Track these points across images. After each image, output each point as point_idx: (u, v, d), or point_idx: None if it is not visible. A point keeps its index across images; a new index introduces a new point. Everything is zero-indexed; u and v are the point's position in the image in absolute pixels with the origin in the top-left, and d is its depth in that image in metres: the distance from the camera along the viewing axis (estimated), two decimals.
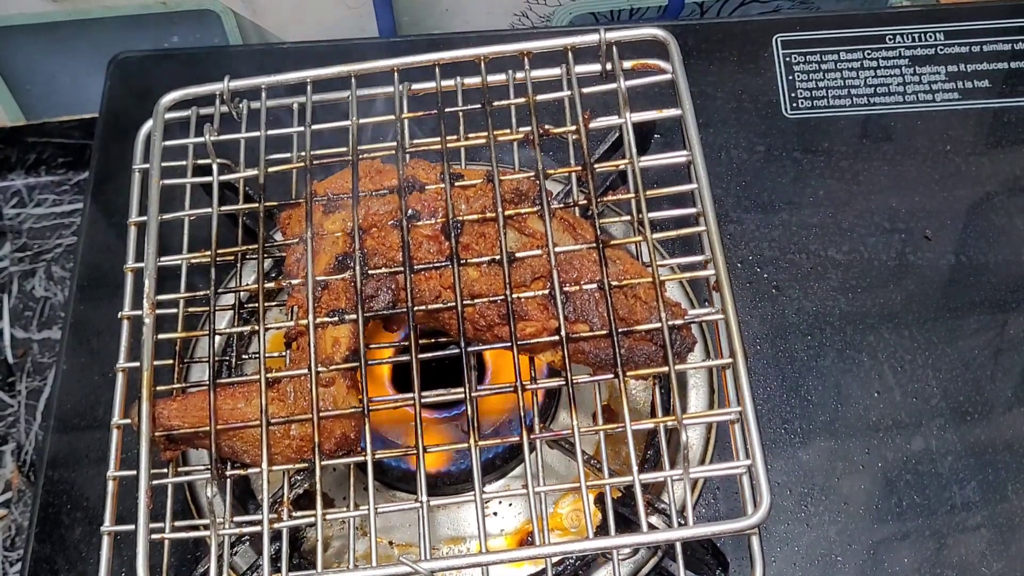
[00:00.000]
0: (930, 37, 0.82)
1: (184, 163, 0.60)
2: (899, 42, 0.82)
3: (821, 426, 0.68)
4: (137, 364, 0.52)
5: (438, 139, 0.57)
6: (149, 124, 0.61)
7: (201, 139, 0.59)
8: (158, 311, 0.53)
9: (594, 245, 0.53)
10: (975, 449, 0.67)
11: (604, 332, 0.51)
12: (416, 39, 0.86)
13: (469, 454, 0.50)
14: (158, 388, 0.52)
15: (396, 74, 0.59)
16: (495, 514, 0.65)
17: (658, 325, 0.51)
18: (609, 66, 0.60)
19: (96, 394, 0.71)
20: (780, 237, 0.75)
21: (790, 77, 0.81)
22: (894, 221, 0.75)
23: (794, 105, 0.80)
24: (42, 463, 0.69)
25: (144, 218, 0.57)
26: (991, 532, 0.65)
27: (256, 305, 0.55)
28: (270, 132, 0.59)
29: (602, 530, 0.61)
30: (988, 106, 0.80)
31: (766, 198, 0.77)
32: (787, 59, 0.82)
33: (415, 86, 0.60)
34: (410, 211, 0.55)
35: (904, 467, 0.67)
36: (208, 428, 0.51)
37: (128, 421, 0.53)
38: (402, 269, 0.53)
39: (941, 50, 0.82)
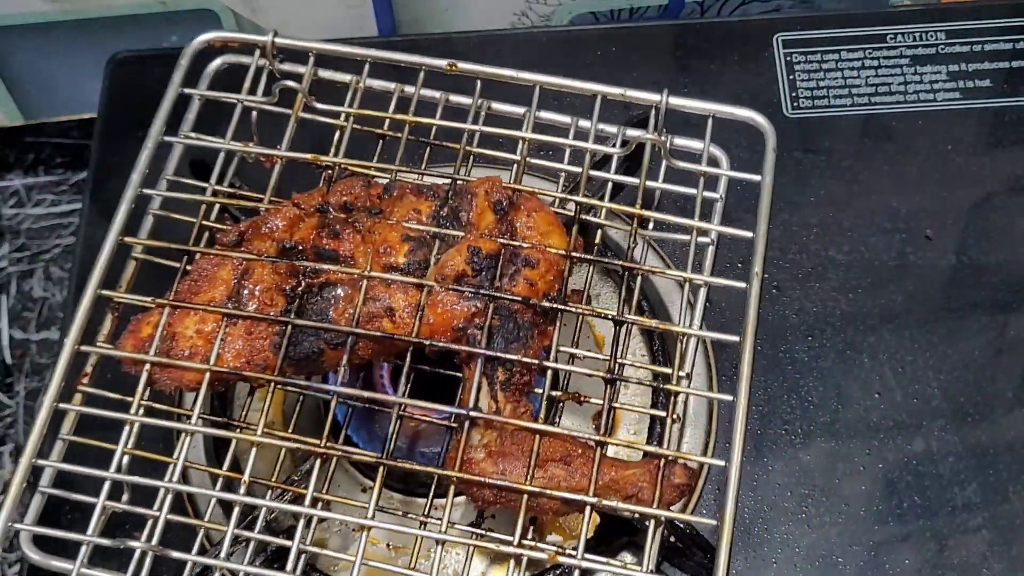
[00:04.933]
0: (931, 36, 0.82)
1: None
2: (900, 41, 0.82)
3: (822, 427, 0.68)
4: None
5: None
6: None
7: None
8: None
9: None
10: (976, 450, 0.67)
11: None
12: (416, 38, 0.86)
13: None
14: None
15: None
16: (493, 516, 0.65)
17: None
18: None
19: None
20: (780, 237, 0.75)
21: (791, 76, 0.81)
22: (895, 221, 0.75)
23: (795, 105, 0.80)
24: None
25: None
26: (992, 533, 0.65)
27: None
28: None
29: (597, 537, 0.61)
30: (989, 105, 0.79)
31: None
32: (788, 58, 0.81)
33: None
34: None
35: (905, 468, 0.67)
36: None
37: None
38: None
39: (942, 49, 0.81)
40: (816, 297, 0.72)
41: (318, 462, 0.52)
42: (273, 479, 0.53)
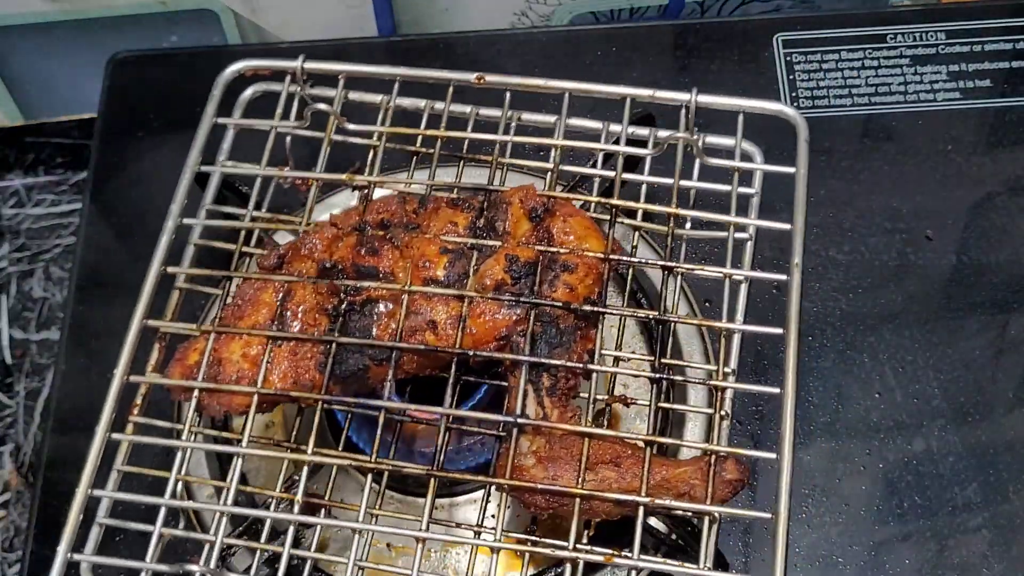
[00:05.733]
0: (931, 36, 0.82)
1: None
2: (900, 41, 0.82)
3: (822, 427, 0.68)
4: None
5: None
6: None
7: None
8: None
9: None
10: (976, 450, 0.67)
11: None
12: (416, 39, 0.86)
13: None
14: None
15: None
16: (492, 516, 0.65)
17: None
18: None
19: (95, 395, 0.70)
20: (780, 237, 0.74)
21: (791, 76, 0.81)
22: (895, 221, 0.75)
23: (795, 104, 0.80)
24: (40, 464, 0.69)
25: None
26: (992, 533, 0.65)
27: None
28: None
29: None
30: (989, 105, 0.79)
31: (766, 198, 0.76)
32: (788, 58, 0.81)
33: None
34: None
35: (905, 468, 0.67)
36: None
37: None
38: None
39: (942, 49, 0.81)
40: (816, 297, 0.72)
41: (369, 478, 0.52)
42: (327, 497, 0.54)
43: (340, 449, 0.55)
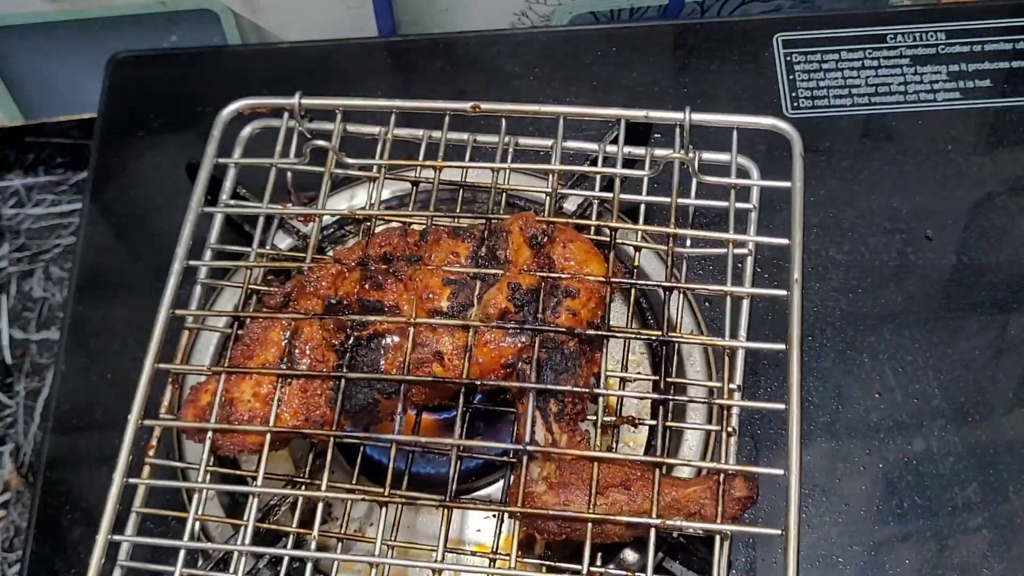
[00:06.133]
0: (931, 36, 0.82)
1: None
2: (900, 41, 0.82)
3: (822, 427, 0.68)
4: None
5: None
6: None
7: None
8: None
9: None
10: (976, 450, 0.67)
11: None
12: (416, 39, 0.86)
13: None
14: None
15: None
16: (493, 515, 0.65)
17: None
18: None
19: (95, 395, 0.70)
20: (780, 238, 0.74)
21: (791, 76, 0.81)
22: (895, 221, 0.75)
23: (795, 105, 0.80)
24: (40, 464, 0.69)
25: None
26: (992, 533, 0.65)
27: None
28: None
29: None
30: (989, 105, 0.79)
31: (766, 198, 0.76)
32: (788, 58, 0.81)
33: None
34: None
35: (905, 468, 0.67)
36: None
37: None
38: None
39: (942, 49, 0.81)
40: (816, 297, 0.72)
41: (384, 510, 0.52)
42: (343, 522, 0.56)
43: (358, 462, 0.56)
